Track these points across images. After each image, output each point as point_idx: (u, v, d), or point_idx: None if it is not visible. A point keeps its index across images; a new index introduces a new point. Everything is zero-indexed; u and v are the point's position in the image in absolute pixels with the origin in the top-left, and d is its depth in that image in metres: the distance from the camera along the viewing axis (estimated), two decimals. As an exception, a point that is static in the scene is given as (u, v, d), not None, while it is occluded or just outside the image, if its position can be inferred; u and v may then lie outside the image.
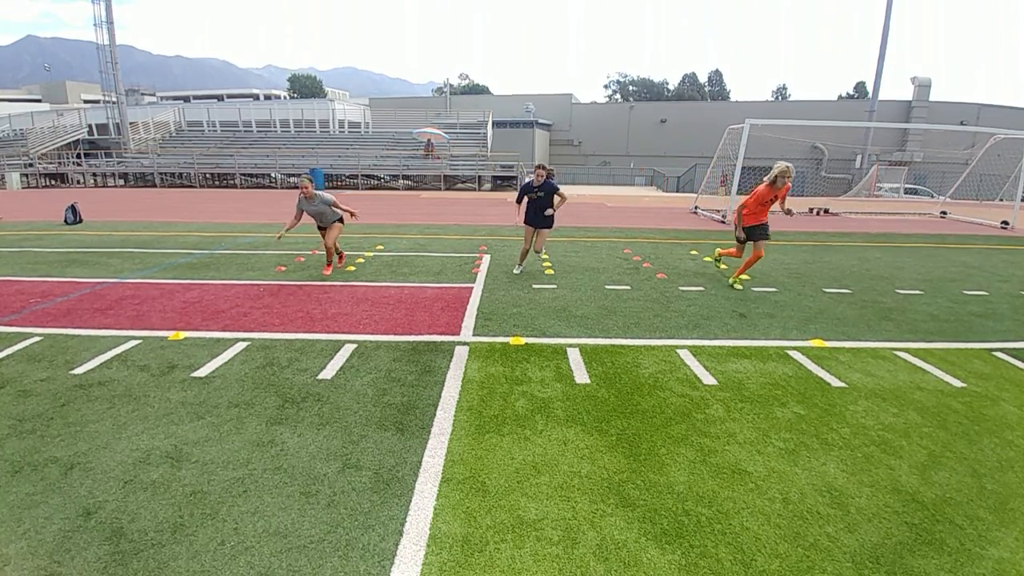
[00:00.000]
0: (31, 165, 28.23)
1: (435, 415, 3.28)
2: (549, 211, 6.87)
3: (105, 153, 30.31)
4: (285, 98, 64.86)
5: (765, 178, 6.33)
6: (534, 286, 6.46)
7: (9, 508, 2.39)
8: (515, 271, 7.25)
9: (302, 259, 7.98)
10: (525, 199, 7.04)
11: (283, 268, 7.34)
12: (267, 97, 62.31)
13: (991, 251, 10.10)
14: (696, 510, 2.43)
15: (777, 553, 2.18)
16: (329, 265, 7.20)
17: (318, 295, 5.96)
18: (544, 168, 6.80)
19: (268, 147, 29.76)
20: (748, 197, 6.54)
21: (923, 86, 38.13)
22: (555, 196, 6.85)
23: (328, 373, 3.87)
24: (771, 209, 6.48)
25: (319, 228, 7.15)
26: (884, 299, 6.18)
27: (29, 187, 26.65)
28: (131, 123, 30.65)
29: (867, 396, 3.63)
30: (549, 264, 7.78)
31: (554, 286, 6.47)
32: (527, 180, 7.06)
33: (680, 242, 10.20)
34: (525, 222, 7.11)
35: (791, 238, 11.14)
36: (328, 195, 6.89)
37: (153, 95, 60.77)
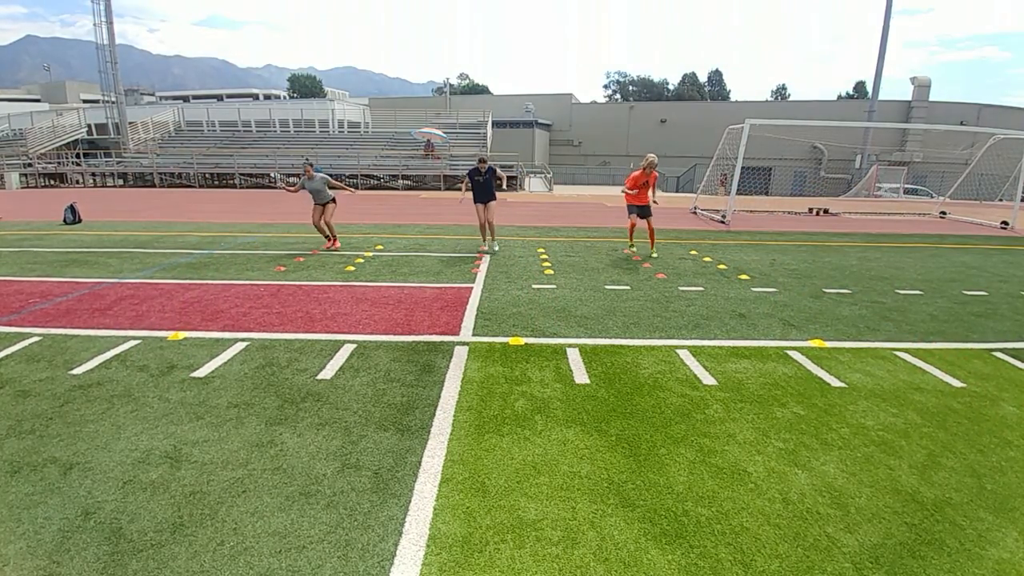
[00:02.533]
0: (30, 165, 28.20)
1: (435, 415, 3.27)
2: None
3: (104, 153, 30.28)
4: (285, 98, 64.83)
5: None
6: (534, 286, 6.46)
7: (8, 508, 2.39)
8: (482, 248, 8.67)
9: (302, 259, 7.98)
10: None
11: (283, 268, 7.33)
12: (267, 97, 62.29)
13: (991, 251, 10.09)
14: (696, 510, 2.43)
15: (777, 553, 2.18)
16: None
17: (318, 295, 5.96)
18: (485, 161, 8.55)
19: (268, 147, 29.72)
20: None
21: (923, 86, 38.10)
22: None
23: (327, 373, 3.87)
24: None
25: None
26: (884, 299, 6.18)
27: (28, 187, 26.62)
28: (130, 123, 30.59)
29: (867, 396, 3.63)
30: (549, 264, 7.77)
31: (554, 286, 6.47)
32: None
33: (680, 242, 10.20)
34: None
35: (791, 238, 11.15)
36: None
37: (152, 95, 60.76)
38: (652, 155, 8.35)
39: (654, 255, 8.57)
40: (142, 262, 7.68)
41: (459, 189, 26.15)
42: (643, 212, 8.53)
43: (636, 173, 8.30)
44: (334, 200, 8.73)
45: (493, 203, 8.66)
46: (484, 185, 8.52)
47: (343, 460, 2.79)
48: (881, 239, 11.38)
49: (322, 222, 8.66)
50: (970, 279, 7.41)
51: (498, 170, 8.62)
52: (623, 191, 8.50)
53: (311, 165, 8.48)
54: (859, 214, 17.02)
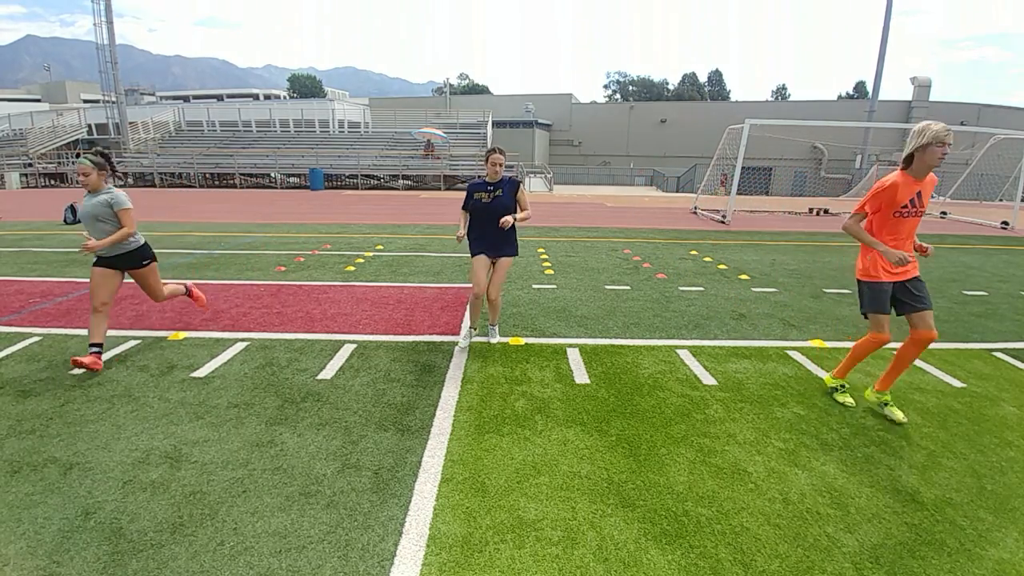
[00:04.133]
0: (30, 165, 28.24)
1: (435, 415, 3.27)
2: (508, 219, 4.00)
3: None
4: (285, 98, 64.84)
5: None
6: (534, 286, 6.46)
7: (9, 508, 2.39)
8: (462, 343, 4.35)
9: (302, 259, 7.98)
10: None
11: (283, 268, 7.33)
12: (267, 97, 62.30)
13: (991, 251, 10.10)
14: (696, 510, 2.43)
15: (777, 553, 2.18)
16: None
17: (318, 295, 5.96)
18: (501, 153, 4.10)
19: (268, 147, 29.76)
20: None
21: (923, 86, 38.09)
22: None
23: (328, 373, 3.87)
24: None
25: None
26: (884, 299, 6.17)
27: (28, 187, 26.64)
28: (130, 123, 30.61)
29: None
30: (549, 264, 7.77)
31: (554, 286, 6.47)
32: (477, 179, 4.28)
33: (680, 242, 10.20)
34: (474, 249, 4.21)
35: (791, 238, 11.15)
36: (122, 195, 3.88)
37: (153, 95, 60.79)
38: (938, 124, 2.98)
39: (893, 413, 3.29)
40: (142, 262, 7.68)
41: (460, 189, 25.44)
42: (912, 293, 3.17)
43: (893, 179, 3.12)
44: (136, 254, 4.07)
45: (506, 260, 4.26)
46: (493, 212, 4.09)
47: (343, 460, 2.79)
48: (881, 239, 11.36)
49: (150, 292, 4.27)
50: (970, 279, 7.41)
51: (524, 190, 4.27)
52: (850, 230, 3.27)
53: (95, 163, 3.81)
54: (859, 214, 16.99)
